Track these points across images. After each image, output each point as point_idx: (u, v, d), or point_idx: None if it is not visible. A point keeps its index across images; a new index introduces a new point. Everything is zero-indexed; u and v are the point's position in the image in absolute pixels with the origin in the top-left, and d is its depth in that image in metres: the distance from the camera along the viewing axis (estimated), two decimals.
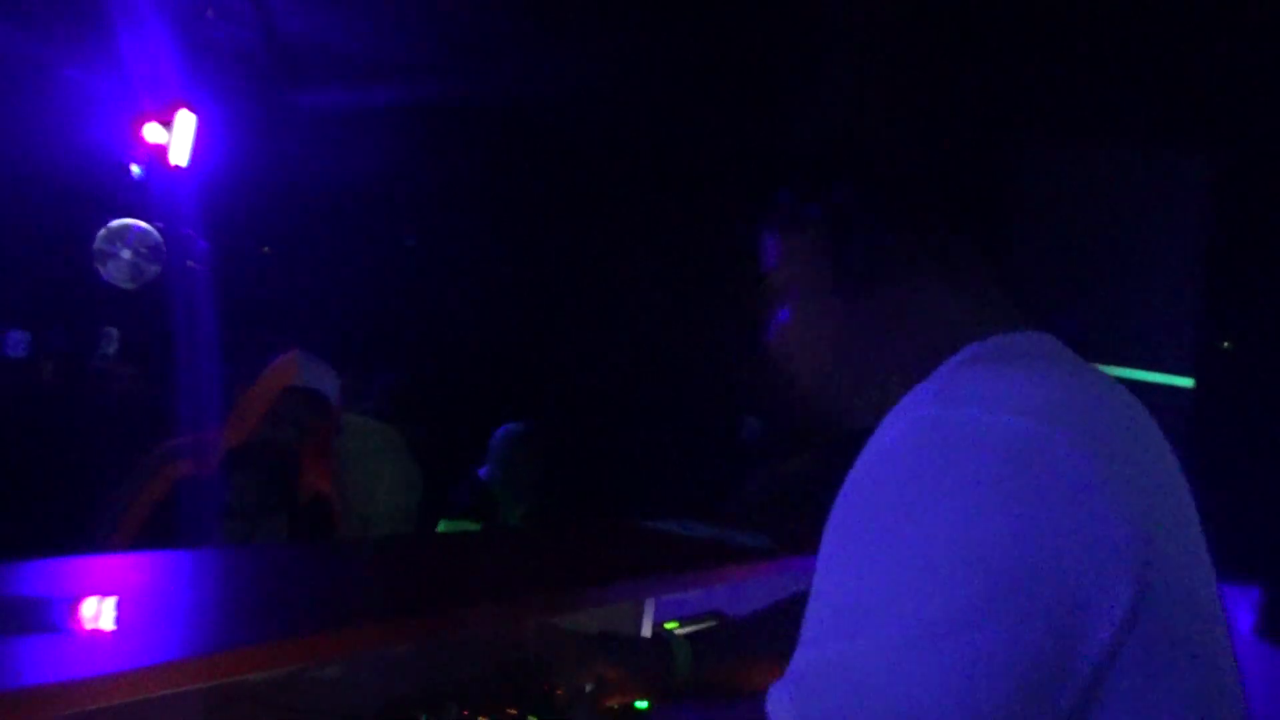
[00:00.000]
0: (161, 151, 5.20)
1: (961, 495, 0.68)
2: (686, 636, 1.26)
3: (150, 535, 2.12)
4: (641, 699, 1.34)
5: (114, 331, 5.74)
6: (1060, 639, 0.65)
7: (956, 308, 0.92)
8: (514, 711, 1.40)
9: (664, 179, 5.67)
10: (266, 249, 6.64)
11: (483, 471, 3.73)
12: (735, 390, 5.52)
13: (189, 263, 5.57)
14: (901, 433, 0.76)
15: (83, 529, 2.28)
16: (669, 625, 1.96)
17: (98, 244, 5.34)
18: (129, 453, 3.18)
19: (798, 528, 2.24)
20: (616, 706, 1.41)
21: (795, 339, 1.01)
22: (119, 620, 1.12)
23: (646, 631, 1.75)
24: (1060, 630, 0.65)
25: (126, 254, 5.37)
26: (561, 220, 6.04)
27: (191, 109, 5.25)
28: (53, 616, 1.10)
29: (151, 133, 5.19)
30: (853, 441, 0.86)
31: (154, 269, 5.46)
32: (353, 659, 1.38)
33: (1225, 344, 4.92)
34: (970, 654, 0.64)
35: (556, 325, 6.04)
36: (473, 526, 3.44)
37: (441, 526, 3.49)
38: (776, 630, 1.27)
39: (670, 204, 5.69)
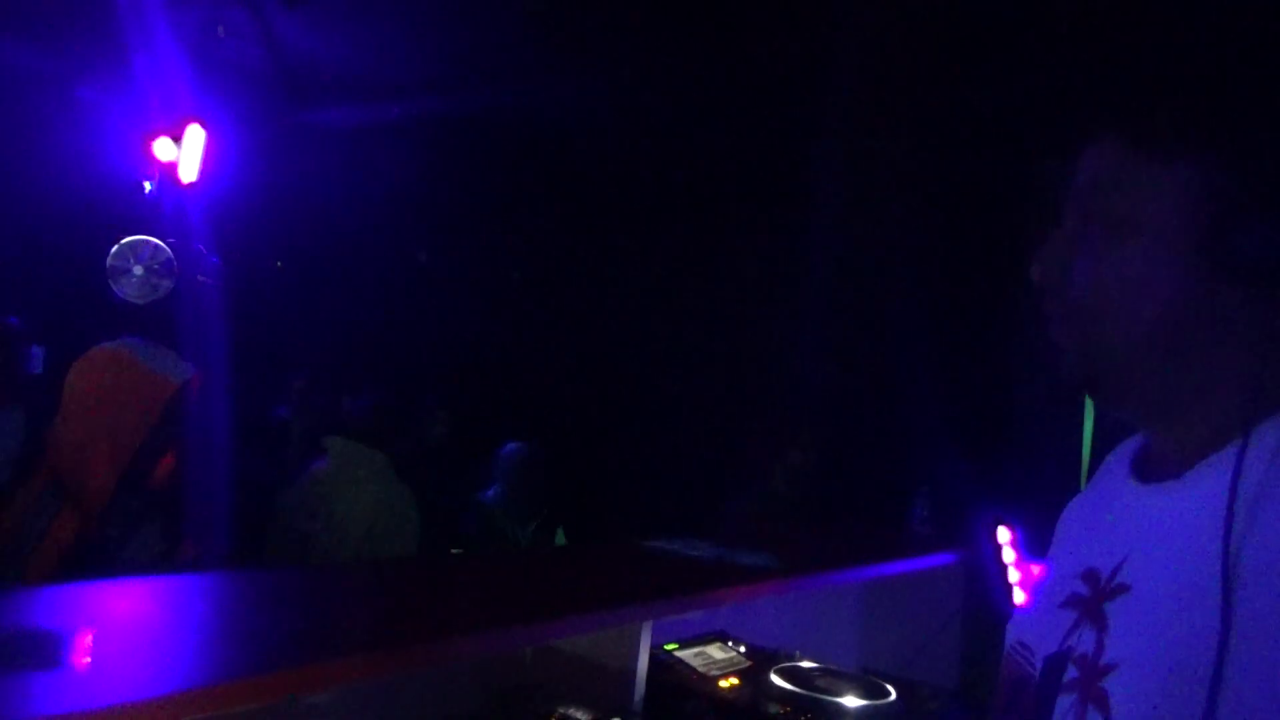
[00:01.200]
0: (172, 168, 5.23)
1: None
2: None
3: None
4: None
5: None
6: None
7: None
8: None
9: (674, 198, 5.66)
10: (279, 264, 6.67)
11: (488, 494, 3.72)
12: (740, 409, 5.49)
13: (200, 278, 5.60)
14: None
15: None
16: (669, 646, 1.94)
17: (111, 260, 5.36)
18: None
19: (785, 543, 2.22)
20: None
21: (1108, 290, 0.78)
22: (105, 653, 1.11)
23: (644, 654, 1.73)
24: None
25: (139, 270, 5.39)
26: (571, 237, 6.04)
27: (202, 125, 5.28)
28: (42, 651, 1.09)
29: (162, 149, 5.23)
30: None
31: (166, 285, 5.49)
32: (346, 687, 1.37)
33: None
34: None
35: (567, 341, 6.04)
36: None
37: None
38: None
39: (680, 224, 5.68)
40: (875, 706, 1.71)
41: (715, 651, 1.97)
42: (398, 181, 5.83)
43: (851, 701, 1.71)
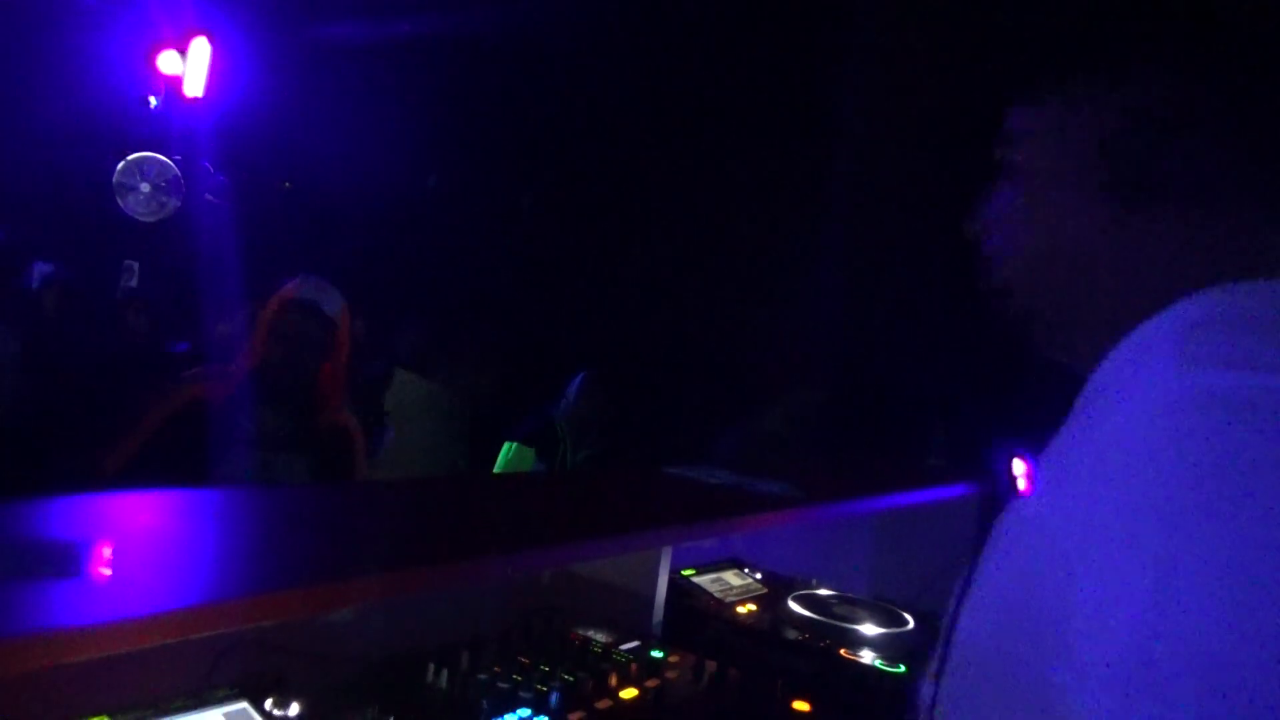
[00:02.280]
0: (177, 82, 5.13)
1: None
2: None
3: (161, 454, 2.12)
4: None
5: (134, 264, 5.74)
6: None
7: (1263, 241, 0.73)
8: (527, 660, 1.39)
9: (688, 123, 5.54)
10: (287, 184, 6.59)
11: (554, 411, 3.83)
12: (754, 341, 5.46)
13: (208, 197, 5.54)
14: (1168, 415, 0.61)
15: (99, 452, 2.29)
16: (686, 572, 1.94)
17: (117, 177, 5.31)
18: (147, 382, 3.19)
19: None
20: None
21: (1016, 230, 0.82)
22: (133, 565, 1.10)
23: (663, 579, 1.73)
24: None
25: (145, 187, 5.34)
26: (588, 160, 5.94)
27: (208, 38, 5.16)
28: (67, 561, 1.08)
29: (167, 63, 5.12)
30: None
31: (173, 202, 5.44)
32: (367, 606, 1.37)
33: None
34: None
35: (580, 267, 5.98)
36: (529, 454, 3.54)
37: (505, 449, 3.56)
38: None
39: (694, 149, 5.57)
40: (895, 634, 1.71)
41: (732, 578, 1.97)
42: (408, 100, 5.71)
43: (870, 629, 1.71)
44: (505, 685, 1.30)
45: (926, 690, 0.82)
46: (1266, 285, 0.70)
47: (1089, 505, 0.62)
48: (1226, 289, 0.70)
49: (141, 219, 5.42)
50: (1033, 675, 0.63)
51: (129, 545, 1.16)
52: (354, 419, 2.54)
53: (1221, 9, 0.76)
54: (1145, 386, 0.65)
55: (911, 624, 1.79)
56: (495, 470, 3.59)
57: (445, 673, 1.29)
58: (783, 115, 5.16)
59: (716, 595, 1.86)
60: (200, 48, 5.14)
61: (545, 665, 1.37)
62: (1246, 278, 0.71)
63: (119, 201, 5.35)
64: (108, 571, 1.08)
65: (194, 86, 5.18)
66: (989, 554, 0.77)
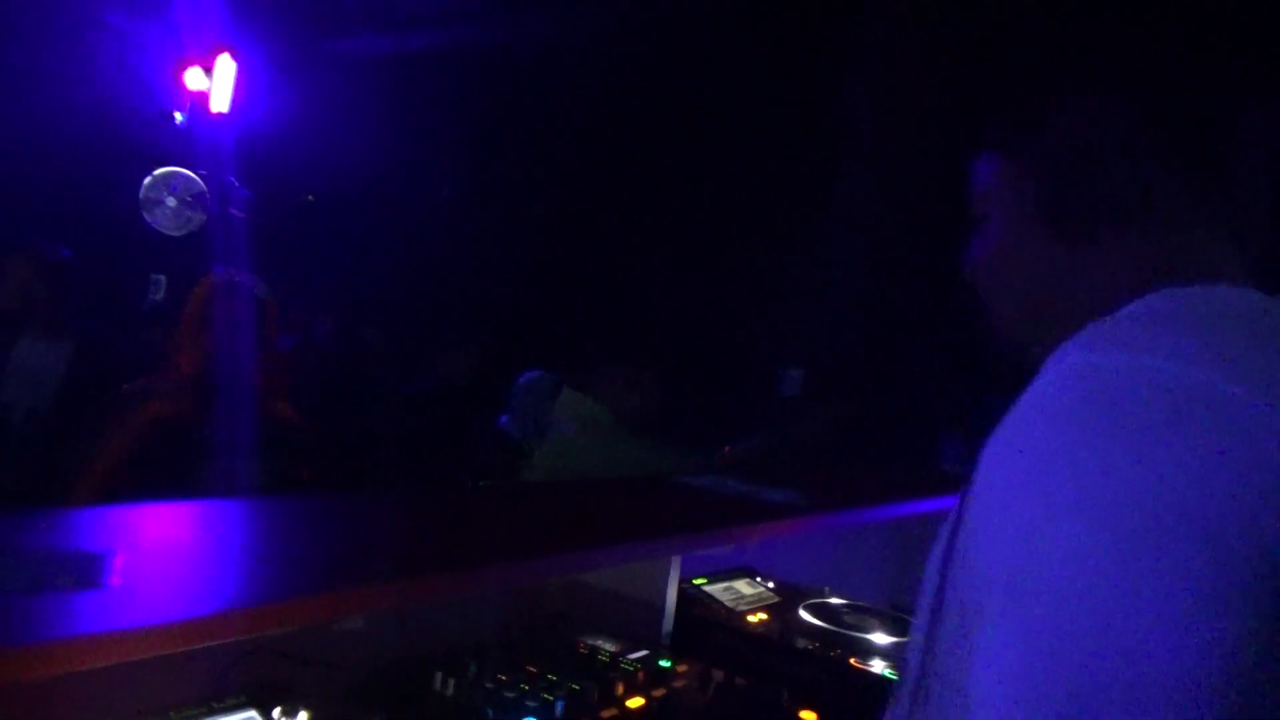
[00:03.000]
0: (203, 98, 5.21)
1: (1129, 448, 0.61)
2: None
3: (131, 478, 2.11)
4: None
5: (161, 278, 5.81)
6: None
7: (1207, 252, 0.82)
8: (534, 669, 1.40)
9: (710, 125, 5.56)
10: (311, 197, 6.66)
11: (503, 419, 3.75)
12: (776, 341, 5.46)
13: (231, 210, 5.61)
14: (1051, 384, 0.70)
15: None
16: (696, 581, 1.94)
17: (144, 192, 5.39)
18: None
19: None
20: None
21: (990, 271, 0.93)
22: (144, 574, 1.12)
23: (672, 588, 1.73)
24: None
25: (172, 201, 5.42)
26: (602, 169, 5.96)
27: (232, 54, 5.24)
28: (87, 571, 1.11)
29: (193, 79, 5.20)
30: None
31: (199, 217, 5.51)
32: (376, 613, 1.38)
33: None
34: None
35: (594, 274, 6.00)
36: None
37: None
38: None
39: (714, 152, 5.58)
40: (904, 643, 1.70)
41: (743, 586, 1.97)
42: (428, 114, 5.76)
43: (882, 638, 1.71)
44: (511, 694, 1.31)
45: (913, 659, 0.84)
46: (1197, 289, 0.78)
47: (987, 470, 0.69)
48: (1159, 293, 0.79)
49: (168, 233, 5.50)
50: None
51: (140, 555, 1.19)
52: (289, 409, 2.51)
53: (1140, 36, 0.87)
54: (1050, 366, 0.73)
55: None
56: None
57: (452, 681, 1.31)
58: (796, 122, 5.16)
59: (727, 604, 1.86)
60: (225, 64, 5.21)
61: (552, 674, 1.38)
62: (1180, 284, 0.79)
63: (146, 216, 5.43)
64: (121, 581, 1.10)
65: (219, 102, 5.25)
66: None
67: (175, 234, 5.51)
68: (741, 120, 5.37)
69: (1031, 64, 0.94)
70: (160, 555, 1.24)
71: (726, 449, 3.73)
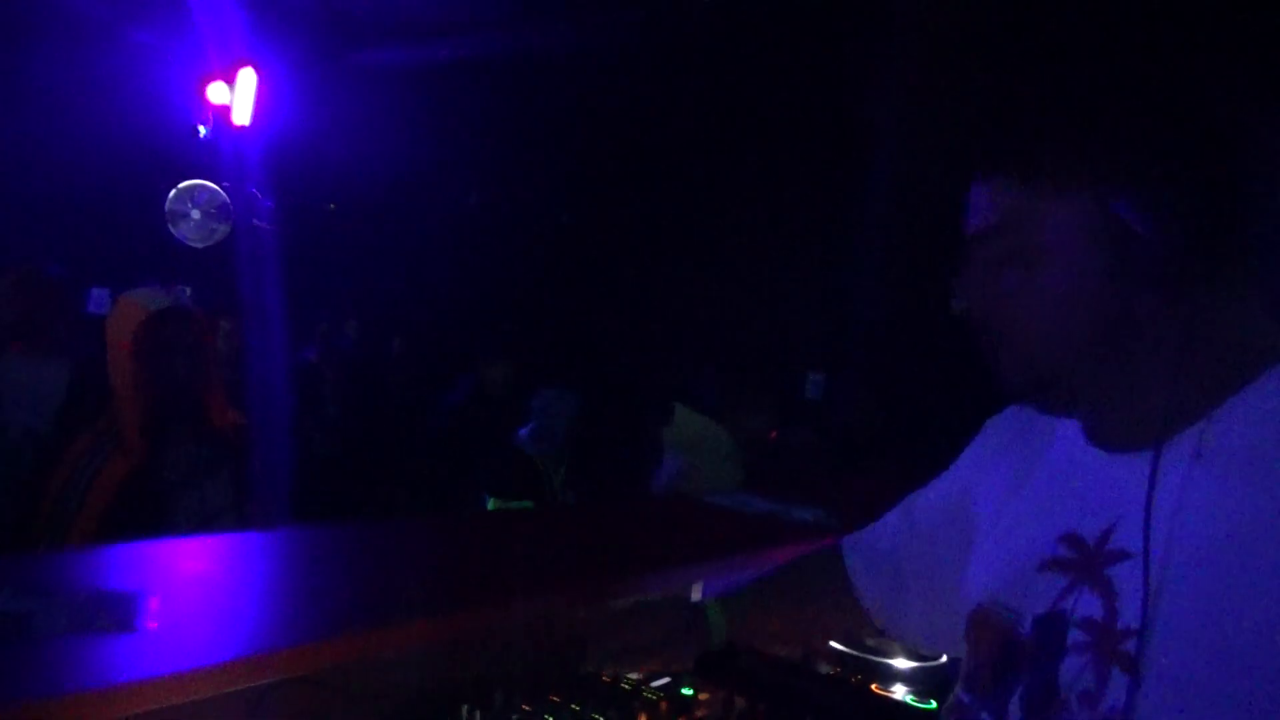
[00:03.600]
0: (225, 112, 5.27)
1: None
2: (719, 600, 1.21)
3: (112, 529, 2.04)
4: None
5: (187, 289, 5.87)
6: None
7: (1263, 320, 0.84)
8: (557, 698, 1.41)
9: (731, 134, 5.56)
10: (332, 206, 6.71)
11: (521, 434, 3.73)
12: (799, 347, 5.46)
13: (255, 221, 5.67)
14: None
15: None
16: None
17: (169, 204, 5.46)
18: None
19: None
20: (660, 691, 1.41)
21: (1033, 318, 0.87)
22: (177, 616, 1.15)
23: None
24: None
25: (196, 214, 5.48)
26: (625, 177, 5.98)
27: (254, 68, 5.30)
28: (121, 613, 1.13)
29: (216, 93, 5.26)
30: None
31: (223, 228, 5.58)
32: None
33: None
34: None
35: (618, 281, 6.02)
36: (521, 505, 3.45)
37: (491, 506, 3.48)
38: (805, 587, 1.25)
39: (737, 160, 5.59)
40: (927, 668, 1.71)
41: None
42: (449, 124, 5.80)
43: (903, 662, 1.71)
44: None
45: (1115, 684, 0.82)
46: None
47: None
48: None
49: (193, 244, 5.57)
50: None
51: (171, 594, 1.21)
52: (237, 412, 2.39)
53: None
54: None
55: (945, 657, 1.78)
56: None
57: (478, 713, 1.32)
58: (821, 136, 5.16)
59: None
60: (247, 78, 5.28)
61: (576, 705, 1.39)
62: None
63: (171, 228, 5.50)
64: (155, 624, 1.12)
65: (241, 115, 5.32)
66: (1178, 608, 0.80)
67: (200, 245, 5.58)
68: (768, 122, 5.37)
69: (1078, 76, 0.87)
70: (191, 594, 1.26)
71: (772, 433, 3.71)
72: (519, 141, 5.86)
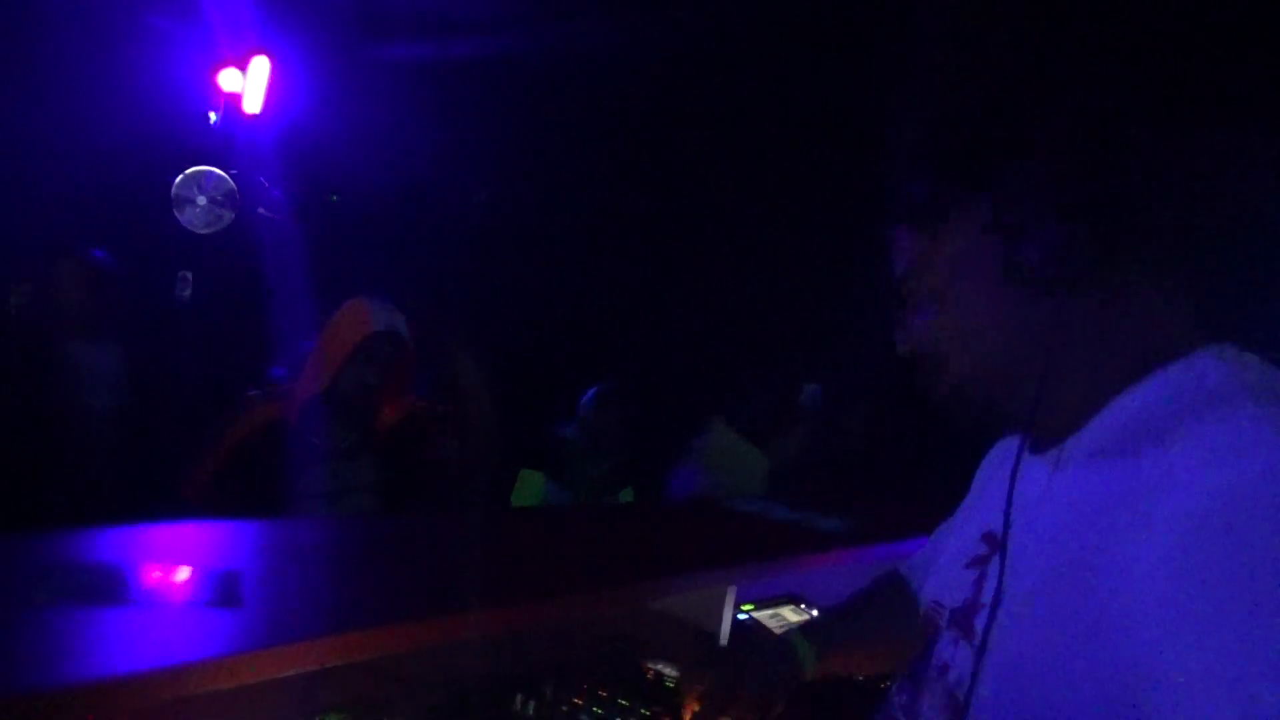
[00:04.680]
0: (237, 99, 5.26)
1: None
2: (804, 634, 1.24)
3: (235, 478, 2.18)
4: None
5: (188, 275, 5.86)
6: None
7: (1175, 308, 0.85)
8: (605, 693, 1.44)
9: (740, 140, 5.60)
10: (334, 197, 6.70)
11: (568, 429, 3.80)
12: (796, 357, 5.51)
13: (261, 210, 5.66)
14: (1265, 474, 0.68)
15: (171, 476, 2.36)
16: (746, 607, 1.99)
17: (175, 190, 5.44)
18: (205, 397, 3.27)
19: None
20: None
21: (954, 340, 0.92)
22: (216, 595, 1.16)
23: (728, 614, 1.78)
24: None
25: (202, 200, 5.47)
26: (632, 180, 6.01)
27: (267, 56, 5.29)
28: (167, 589, 1.15)
29: (227, 80, 5.25)
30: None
31: (229, 215, 5.56)
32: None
33: None
34: None
35: (623, 284, 6.05)
36: (535, 475, 3.52)
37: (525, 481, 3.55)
38: (882, 616, 1.28)
39: (745, 167, 5.63)
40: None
41: (789, 614, 2.02)
42: (460, 118, 5.81)
43: None
44: (586, 718, 1.36)
45: (960, 655, 0.90)
46: (1231, 351, 0.81)
47: (1182, 571, 0.68)
48: (1207, 358, 0.81)
49: (198, 231, 5.55)
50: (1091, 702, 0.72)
51: (230, 575, 1.23)
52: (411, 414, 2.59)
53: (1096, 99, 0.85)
54: (1233, 455, 0.70)
55: None
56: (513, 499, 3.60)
57: (532, 703, 1.36)
58: (831, 137, 5.21)
59: (776, 631, 1.91)
60: (260, 66, 5.26)
61: (624, 699, 1.43)
62: (1189, 346, 0.82)
63: (176, 214, 5.48)
64: (217, 602, 1.14)
65: (253, 103, 5.30)
66: (1020, 596, 0.85)
67: (205, 232, 5.56)
68: (778, 125, 5.41)
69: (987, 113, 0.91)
70: (251, 576, 1.28)
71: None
72: (529, 141, 5.88)
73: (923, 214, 0.93)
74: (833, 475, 3.90)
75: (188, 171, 5.43)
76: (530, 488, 3.57)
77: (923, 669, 0.99)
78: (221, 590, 1.15)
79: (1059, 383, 0.87)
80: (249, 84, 5.33)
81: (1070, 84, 0.88)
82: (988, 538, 0.96)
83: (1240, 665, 0.62)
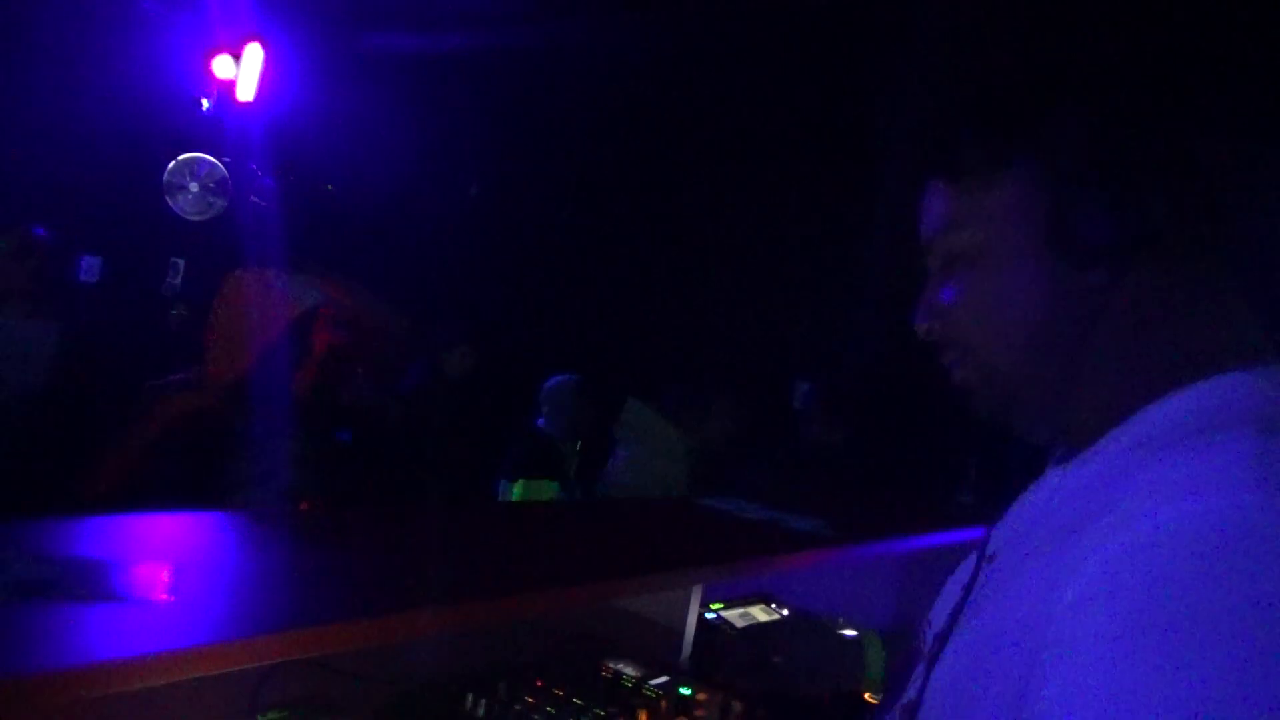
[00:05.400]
0: (230, 86, 5.24)
1: None
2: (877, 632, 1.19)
3: (162, 468, 2.16)
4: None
5: (180, 262, 5.85)
6: None
7: (1231, 312, 0.74)
8: (560, 692, 1.43)
9: (732, 137, 5.58)
10: (330, 187, 6.68)
11: (540, 422, 3.82)
12: (789, 354, 5.49)
13: (253, 198, 5.64)
14: (1217, 523, 0.57)
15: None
16: (714, 606, 1.97)
17: (167, 176, 5.42)
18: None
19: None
20: None
21: (983, 319, 0.80)
22: (176, 589, 1.14)
23: (693, 614, 1.76)
24: None
25: (194, 187, 5.44)
26: (623, 175, 5.99)
27: (262, 44, 5.27)
28: (112, 582, 1.13)
29: (221, 67, 5.23)
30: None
31: (221, 203, 5.54)
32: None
33: None
34: None
35: (613, 278, 6.03)
36: (550, 485, 3.52)
37: (518, 488, 3.54)
38: None
39: (736, 164, 5.60)
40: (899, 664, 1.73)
41: (759, 613, 2.00)
42: (453, 112, 5.79)
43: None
44: (539, 718, 1.34)
45: (918, 673, 0.85)
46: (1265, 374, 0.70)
47: (1077, 614, 0.61)
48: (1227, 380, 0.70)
49: (189, 218, 5.53)
50: None
51: (182, 569, 1.21)
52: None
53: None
54: (1161, 504, 0.62)
55: None
56: None
57: (483, 702, 1.34)
58: (822, 138, 5.19)
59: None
60: (254, 53, 5.24)
61: (579, 699, 1.41)
62: (1235, 360, 0.71)
63: (168, 200, 5.46)
64: (164, 597, 1.12)
65: (246, 91, 5.28)
66: (976, 605, 0.81)
67: (196, 219, 5.54)
68: (772, 123, 5.39)
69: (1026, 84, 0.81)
70: (202, 569, 1.26)
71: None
72: (522, 135, 5.86)
73: (964, 166, 0.81)
74: (817, 473, 3.89)
75: (179, 158, 5.41)
76: (544, 496, 3.56)
77: (897, 691, 0.95)
78: (155, 583, 1.12)
79: (1084, 382, 0.77)
80: (242, 71, 5.30)
81: (1135, 45, 0.80)
82: (985, 555, 0.90)
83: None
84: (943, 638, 0.82)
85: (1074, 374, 0.77)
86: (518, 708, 1.35)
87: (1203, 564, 0.56)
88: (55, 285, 3.55)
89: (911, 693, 0.85)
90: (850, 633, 1.36)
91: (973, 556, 0.90)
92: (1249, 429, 0.65)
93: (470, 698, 1.34)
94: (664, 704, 1.47)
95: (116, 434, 2.24)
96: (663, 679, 1.58)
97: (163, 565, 1.20)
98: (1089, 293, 0.75)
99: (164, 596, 1.11)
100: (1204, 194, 0.74)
